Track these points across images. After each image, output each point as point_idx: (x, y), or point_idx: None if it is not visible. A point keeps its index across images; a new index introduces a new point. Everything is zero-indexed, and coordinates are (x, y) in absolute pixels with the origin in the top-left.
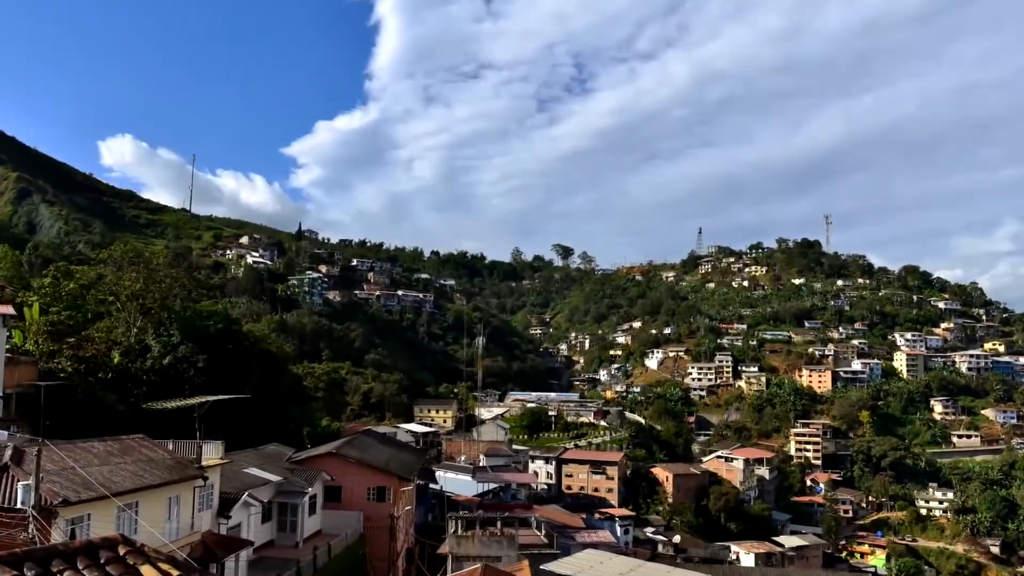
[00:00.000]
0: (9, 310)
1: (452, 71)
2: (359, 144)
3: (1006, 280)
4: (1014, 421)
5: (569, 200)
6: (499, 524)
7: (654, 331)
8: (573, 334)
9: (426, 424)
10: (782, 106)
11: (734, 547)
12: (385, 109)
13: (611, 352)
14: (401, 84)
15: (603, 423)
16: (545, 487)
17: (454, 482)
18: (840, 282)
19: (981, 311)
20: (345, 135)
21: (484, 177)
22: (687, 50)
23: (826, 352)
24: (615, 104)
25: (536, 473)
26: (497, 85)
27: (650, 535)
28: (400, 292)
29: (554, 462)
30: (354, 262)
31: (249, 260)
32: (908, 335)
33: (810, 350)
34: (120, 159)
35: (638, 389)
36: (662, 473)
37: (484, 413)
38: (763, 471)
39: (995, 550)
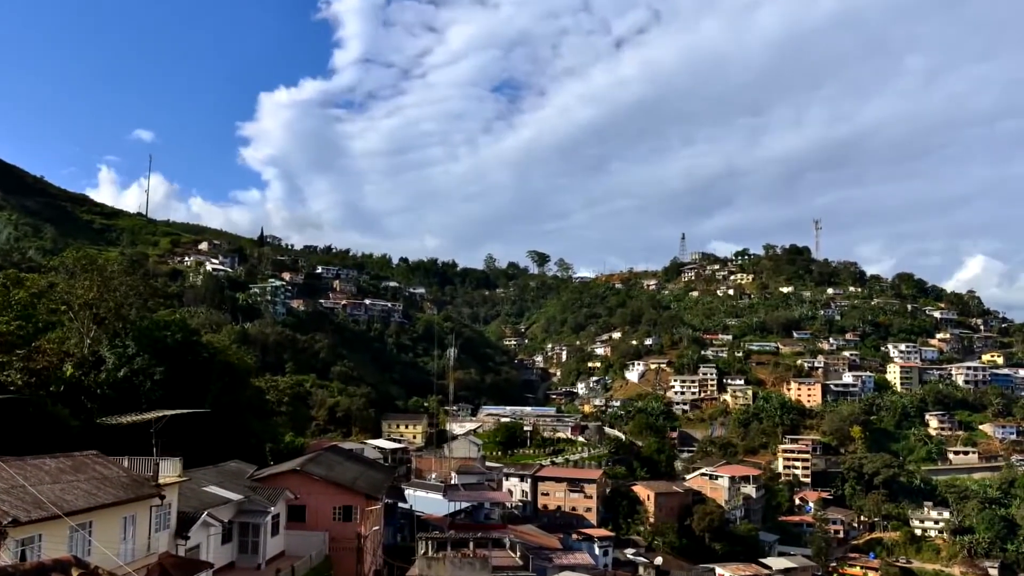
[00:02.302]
0: None
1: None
2: (316, 131)
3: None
4: (1013, 437)
5: (550, 201)
6: (471, 545)
7: (635, 342)
8: (549, 345)
9: (395, 440)
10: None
11: (719, 569)
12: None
13: (589, 364)
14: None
15: (581, 439)
16: (520, 506)
17: (424, 501)
18: (830, 290)
19: (979, 321)
20: (302, 109)
21: (451, 177)
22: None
23: (816, 364)
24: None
25: (511, 491)
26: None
27: (631, 556)
28: (368, 301)
29: (529, 480)
30: (319, 269)
31: (208, 267)
32: (902, 346)
33: (799, 362)
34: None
35: (618, 403)
36: (643, 491)
37: (456, 428)
38: (749, 489)
39: (993, 572)
